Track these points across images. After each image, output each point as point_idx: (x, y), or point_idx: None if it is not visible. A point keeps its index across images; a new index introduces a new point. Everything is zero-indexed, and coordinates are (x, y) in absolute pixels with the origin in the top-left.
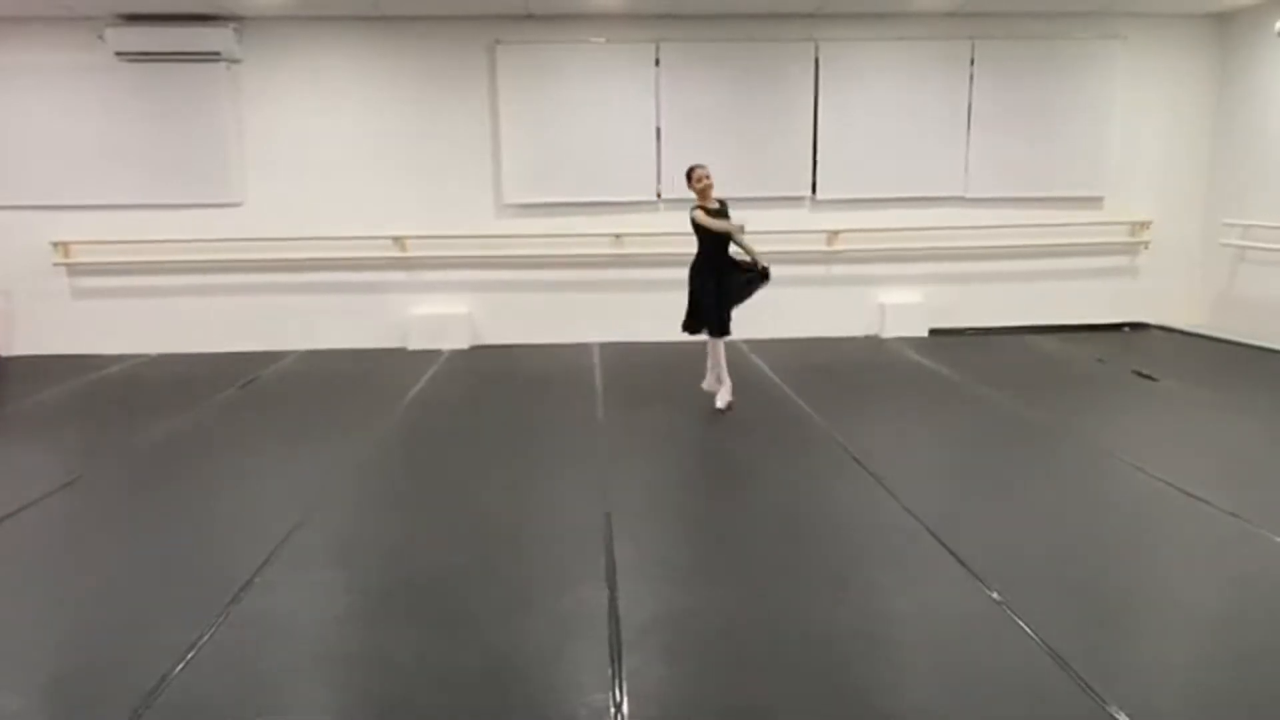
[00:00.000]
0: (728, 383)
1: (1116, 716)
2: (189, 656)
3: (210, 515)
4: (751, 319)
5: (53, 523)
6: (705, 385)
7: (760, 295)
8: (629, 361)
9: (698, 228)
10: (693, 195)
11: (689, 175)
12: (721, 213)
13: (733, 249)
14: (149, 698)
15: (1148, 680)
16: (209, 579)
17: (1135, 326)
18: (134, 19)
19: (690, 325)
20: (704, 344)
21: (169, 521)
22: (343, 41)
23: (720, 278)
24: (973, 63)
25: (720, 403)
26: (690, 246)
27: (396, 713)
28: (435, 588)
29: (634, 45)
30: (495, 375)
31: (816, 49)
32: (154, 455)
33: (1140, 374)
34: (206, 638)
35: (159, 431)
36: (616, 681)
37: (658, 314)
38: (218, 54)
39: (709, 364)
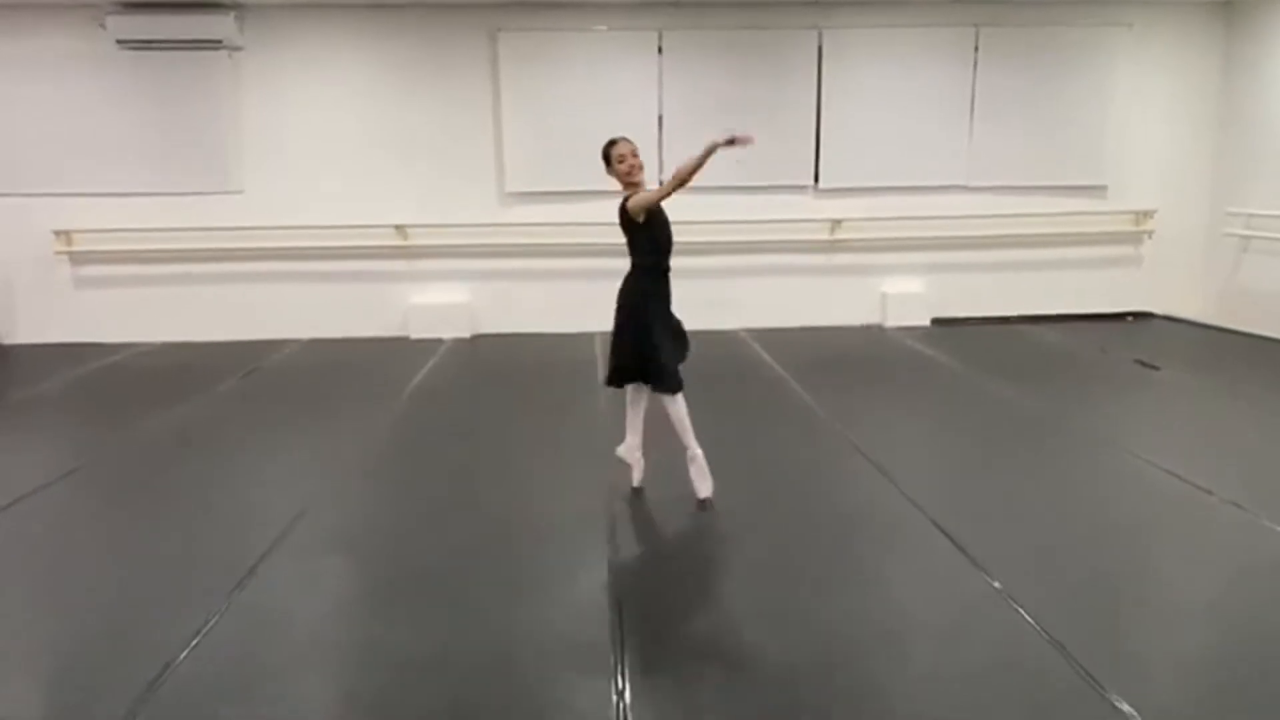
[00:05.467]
0: (699, 456)
1: (1117, 704)
2: (193, 644)
3: (212, 504)
4: (753, 308)
5: (55, 512)
6: (623, 452)
7: (763, 282)
8: None
9: (634, 225)
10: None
11: (606, 156)
12: (663, 211)
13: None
14: (153, 685)
15: (1148, 668)
16: (212, 568)
17: (1138, 316)
18: (135, 6)
19: (632, 376)
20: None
21: (171, 511)
22: (344, 29)
23: (666, 304)
24: (977, 50)
25: (704, 492)
26: (681, 235)
27: (398, 701)
28: (437, 576)
29: (636, 33)
30: (497, 364)
31: (820, 36)
32: (156, 445)
33: (1143, 363)
34: (210, 626)
35: (161, 421)
36: (619, 669)
37: None
38: (219, 42)
39: (632, 424)
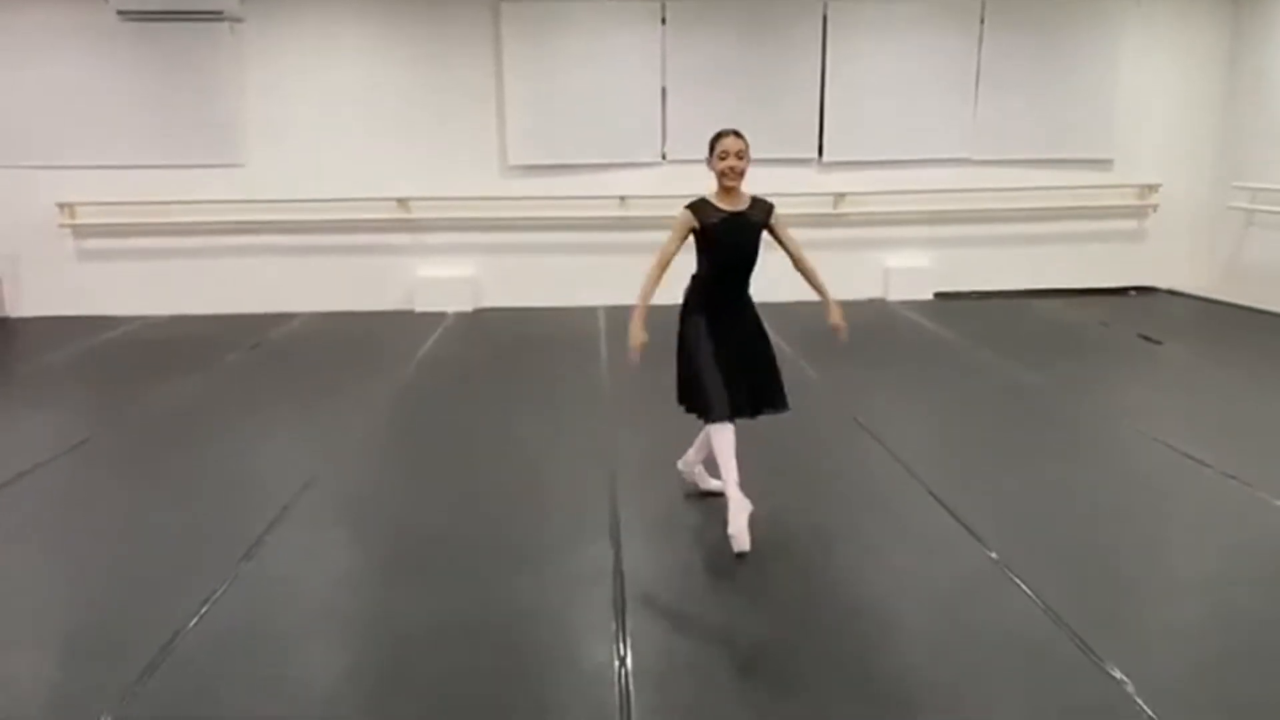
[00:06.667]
0: (737, 501)
1: (1112, 673)
2: (202, 612)
3: (220, 476)
4: (755, 281)
5: (63, 484)
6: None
7: (764, 256)
8: None
9: (694, 231)
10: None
11: (711, 145)
12: (740, 225)
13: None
14: (162, 653)
15: (1144, 639)
16: (220, 538)
17: (1142, 290)
18: None
19: (685, 401)
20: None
21: (179, 482)
22: (345, 1)
23: (720, 323)
24: (982, 23)
25: (737, 540)
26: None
27: (404, 669)
28: (442, 546)
29: (640, 3)
30: (501, 338)
31: (825, 7)
32: (163, 417)
33: (1145, 338)
34: (218, 595)
35: (167, 393)
36: (621, 637)
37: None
38: (220, 13)
39: (694, 451)
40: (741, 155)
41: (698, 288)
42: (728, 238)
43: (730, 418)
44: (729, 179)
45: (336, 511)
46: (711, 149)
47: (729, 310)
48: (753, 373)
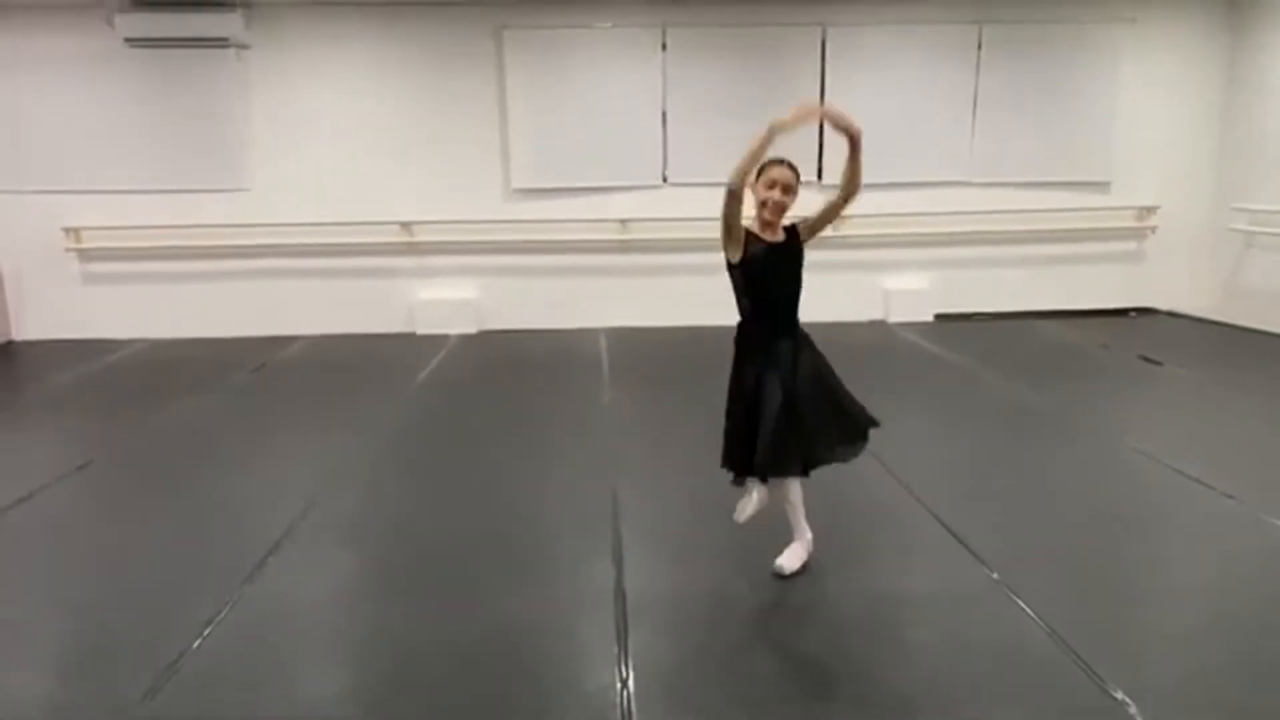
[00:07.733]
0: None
1: (1114, 694)
2: (205, 633)
3: (223, 497)
4: None
5: (68, 506)
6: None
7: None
8: (635, 347)
9: (728, 265)
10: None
11: (760, 170)
12: (783, 255)
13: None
14: (166, 672)
15: (1145, 659)
16: (223, 559)
17: (1142, 312)
18: (143, 5)
19: (730, 461)
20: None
21: (183, 504)
22: (350, 27)
23: (770, 371)
24: (980, 46)
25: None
26: (682, 231)
27: (406, 688)
28: (445, 566)
29: (641, 30)
30: (503, 360)
31: (824, 32)
32: (166, 439)
33: (1145, 359)
34: (222, 615)
35: (171, 416)
36: (622, 656)
37: (663, 300)
38: (226, 40)
39: (794, 521)
40: (790, 190)
41: (745, 334)
42: (771, 270)
43: (783, 474)
44: (768, 212)
45: (339, 533)
46: (759, 174)
47: (782, 352)
48: (813, 416)
